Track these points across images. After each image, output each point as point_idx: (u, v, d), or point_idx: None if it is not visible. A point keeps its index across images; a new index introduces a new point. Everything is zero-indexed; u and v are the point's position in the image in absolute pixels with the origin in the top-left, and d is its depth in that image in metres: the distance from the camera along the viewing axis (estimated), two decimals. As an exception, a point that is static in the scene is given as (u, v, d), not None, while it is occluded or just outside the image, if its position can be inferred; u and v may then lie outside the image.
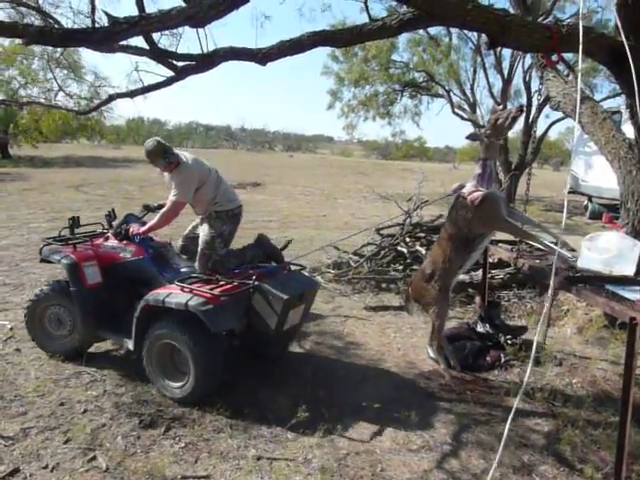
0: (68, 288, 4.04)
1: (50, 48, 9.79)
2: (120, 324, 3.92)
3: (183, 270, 4.02)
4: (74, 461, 2.92)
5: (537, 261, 4.57)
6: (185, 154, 4.09)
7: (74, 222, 4.39)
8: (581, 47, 3.20)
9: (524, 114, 3.67)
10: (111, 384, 3.79)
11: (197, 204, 4.11)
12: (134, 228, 4.07)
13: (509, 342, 4.60)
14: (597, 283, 3.44)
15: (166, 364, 3.69)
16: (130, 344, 3.81)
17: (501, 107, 3.92)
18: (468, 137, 3.88)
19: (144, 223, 4.19)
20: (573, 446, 3.28)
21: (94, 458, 2.95)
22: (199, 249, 4.01)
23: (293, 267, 4.39)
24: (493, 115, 3.74)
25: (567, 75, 3.95)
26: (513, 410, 2.59)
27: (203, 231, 4.05)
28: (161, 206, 4.24)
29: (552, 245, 3.89)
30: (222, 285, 3.68)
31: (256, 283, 3.66)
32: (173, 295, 3.53)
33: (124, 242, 4.09)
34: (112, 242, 4.15)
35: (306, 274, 4.33)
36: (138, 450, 3.05)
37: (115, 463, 2.91)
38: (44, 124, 24.34)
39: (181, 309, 3.45)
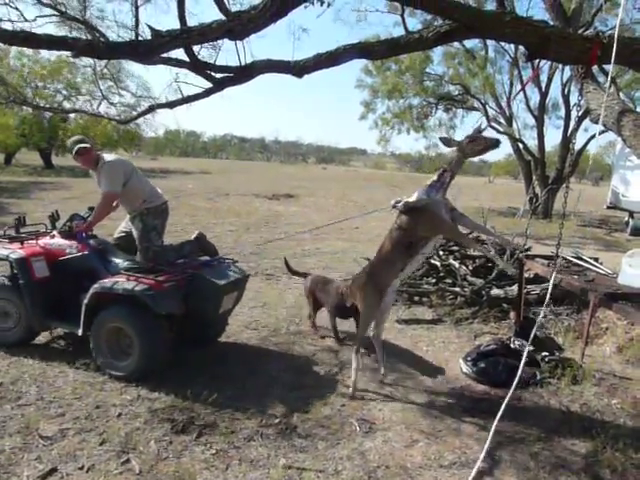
0: (14, 283, 4.34)
1: (96, 61, 10.18)
2: (67, 313, 4.27)
3: (125, 263, 4.28)
4: (109, 463, 2.97)
5: (575, 277, 4.47)
6: (108, 154, 4.50)
7: (20, 222, 4.74)
8: (617, 58, 3.14)
9: (497, 149, 3.84)
10: (145, 389, 3.84)
11: (127, 199, 4.40)
12: (77, 226, 4.40)
13: (545, 359, 4.49)
14: (639, 300, 3.34)
15: (112, 346, 4.03)
16: (78, 330, 4.13)
17: (484, 127, 4.05)
18: (441, 139, 4.02)
19: None
20: (613, 469, 3.16)
21: (128, 461, 3.00)
22: (138, 244, 4.36)
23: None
24: (474, 135, 3.81)
25: (608, 87, 3.86)
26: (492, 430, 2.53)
27: (137, 228, 4.37)
28: None
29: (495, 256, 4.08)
30: (164, 273, 4.05)
31: (195, 271, 4.19)
32: (120, 283, 3.92)
33: (69, 239, 4.40)
34: (58, 239, 4.45)
35: (238, 266, 4.76)
36: (170, 455, 3.09)
37: (148, 467, 2.95)
38: (97, 130, 24.99)
39: (128, 294, 3.84)
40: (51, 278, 4.36)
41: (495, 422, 2.75)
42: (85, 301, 4.03)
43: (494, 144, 3.71)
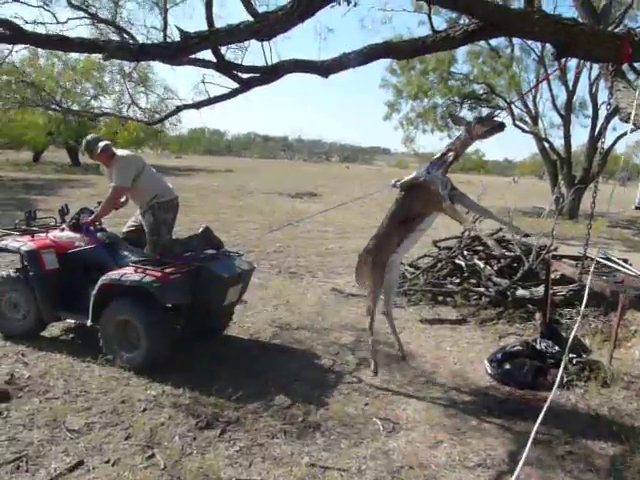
0: (24, 275, 4.45)
1: (124, 62, 10.37)
2: (76, 304, 4.41)
3: (133, 256, 4.35)
4: (134, 457, 3.02)
5: (604, 278, 4.39)
6: (120, 150, 4.63)
7: (30, 215, 4.85)
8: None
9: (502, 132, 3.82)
10: (170, 385, 3.88)
11: (137, 194, 4.52)
12: (84, 219, 4.50)
13: (573, 361, 4.42)
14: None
15: (120, 337, 4.13)
16: (87, 321, 4.23)
17: (496, 114, 4.20)
18: (451, 116, 4.08)
19: None
20: (642, 474, 3.10)
21: (153, 456, 3.04)
22: (147, 237, 4.46)
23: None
24: (481, 116, 3.87)
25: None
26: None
27: (148, 221, 4.47)
28: None
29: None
30: (171, 266, 4.13)
31: (201, 264, 4.27)
32: (128, 275, 4.01)
33: (78, 232, 4.50)
34: (67, 232, 4.56)
35: (243, 259, 4.84)
36: (194, 451, 3.12)
37: (172, 462, 2.98)
38: (120, 136, 25.64)
39: (135, 286, 3.94)
40: (60, 270, 4.46)
41: (535, 427, 2.61)
42: (93, 292, 4.12)
43: (499, 126, 3.73)
